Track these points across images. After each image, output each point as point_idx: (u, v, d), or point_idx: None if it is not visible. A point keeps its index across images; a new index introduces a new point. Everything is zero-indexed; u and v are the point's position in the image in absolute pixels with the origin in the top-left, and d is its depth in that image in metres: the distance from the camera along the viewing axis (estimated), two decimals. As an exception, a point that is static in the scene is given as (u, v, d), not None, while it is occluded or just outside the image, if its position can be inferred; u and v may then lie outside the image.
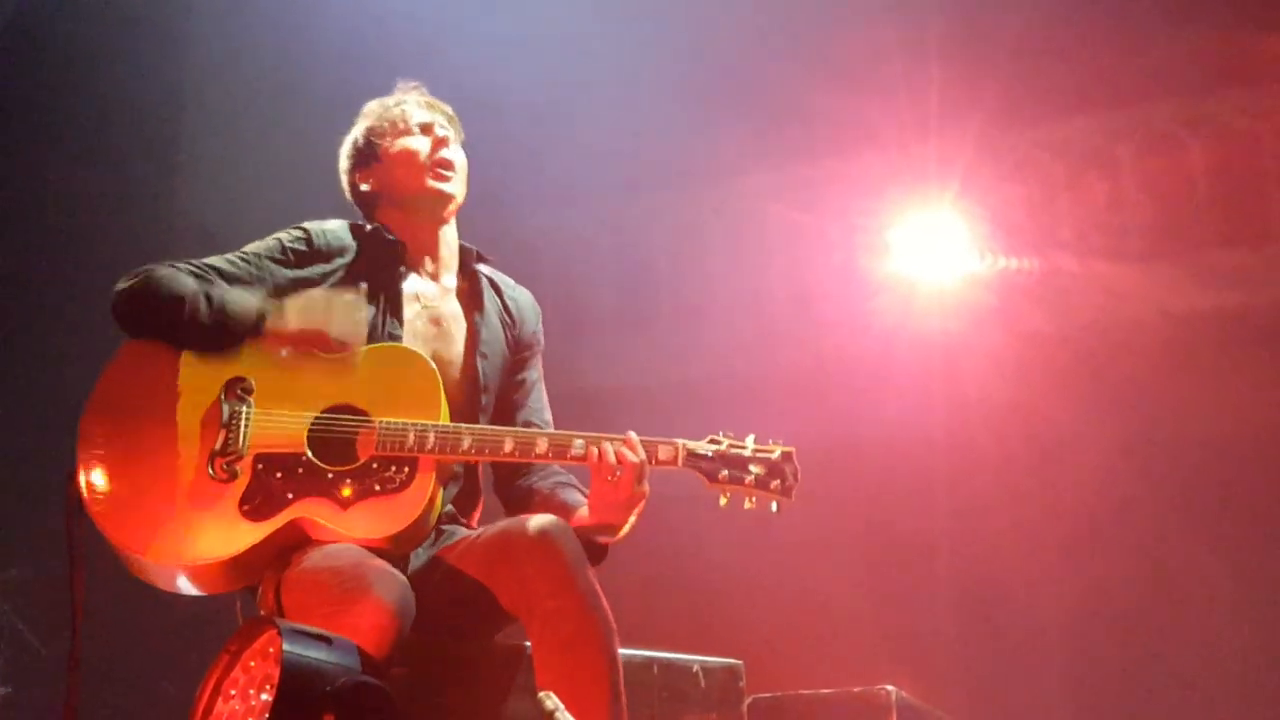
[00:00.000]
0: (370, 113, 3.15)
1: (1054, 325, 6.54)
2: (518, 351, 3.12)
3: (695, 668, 3.12)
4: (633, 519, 2.80)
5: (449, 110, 3.18)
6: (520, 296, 3.18)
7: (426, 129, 3.08)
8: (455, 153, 3.09)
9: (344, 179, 3.17)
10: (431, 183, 3.03)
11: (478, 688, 2.80)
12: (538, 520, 2.70)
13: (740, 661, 3.21)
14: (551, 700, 2.34)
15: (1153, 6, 6.38)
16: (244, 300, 2.79)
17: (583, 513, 2.85)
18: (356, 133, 3.14)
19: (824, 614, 6.12)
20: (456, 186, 3.06)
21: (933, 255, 6.82)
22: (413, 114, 3.10)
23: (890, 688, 3.52)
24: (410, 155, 3.05)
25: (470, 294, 3.08)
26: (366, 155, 3.09)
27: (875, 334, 6.71)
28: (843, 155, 6.97)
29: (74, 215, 6.78)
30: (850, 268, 6.94)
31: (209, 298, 2.75)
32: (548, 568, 2.63)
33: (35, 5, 6.81)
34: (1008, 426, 6.38)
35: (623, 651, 2.66)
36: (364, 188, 3.10)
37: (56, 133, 6.81)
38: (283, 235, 2.98)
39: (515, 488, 3.04)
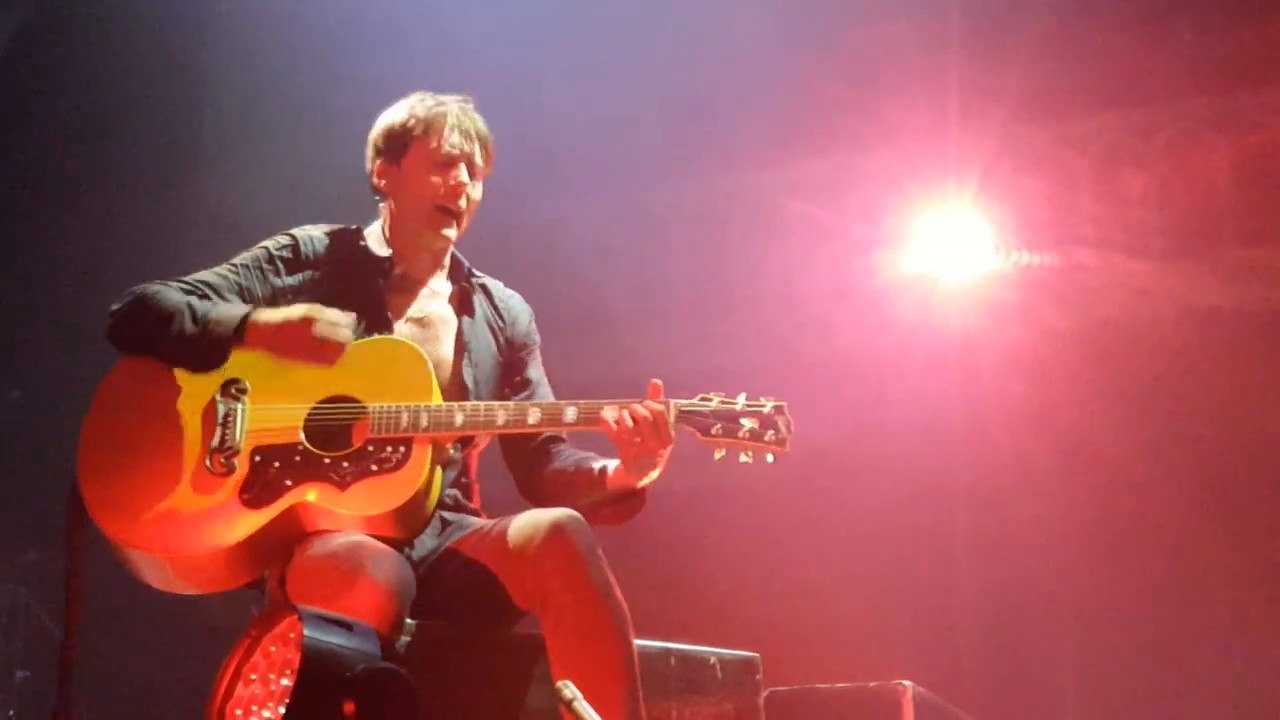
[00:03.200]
0: (412, 108, 3.05)
1: (1074, 322, 6.50)
2: (513, 352, 3.14)
3: (712, 659, 3.12)
4: (662, 464, 2.80)
5: (488, 137, 3.06)
6: (511, 299, 3.20)
7: (453, 161, 3.01)
8: (473, 191, 3.03)
9: (367, 160, 3.13)
10: (433, 222, 3.02)
11: (495, 677, 2.80)
12: (551, 513, 2.72)
13: (757, 654, 3.21)
14: (570, 689, 2.34)
15: (1177, 1, 6.35)
16: (227, 311, 2.82)
17: (617, 467, 2.85)
18: (392, 120, 3.07)
19: (841, 608, 6.12)
20: (455, 231, 3.04)
21: (953, 251, 6.79)
22: (449, 137, 3.01)
23: (907, 683, 3.53)
24: (423, 184, 3.00)
25: (460, 298, 3.10)
26: (389, 152, 3.05)
27: (894, 330, 6.69)
28: (862, 150, 6.94)
29: (93, 209, 6.82)
30: (869, 263, 6.91)
31: (192, 310, 2.80)
32: (561, 560, 2.64)
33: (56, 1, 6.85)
34: (1026, 423, 6.36)
35: (639, 642, 2.67)
36: (378, 182, 3.09)
37: (76, 127, 6.84)
38: (270, 244, 3.01)
39: (539, 477, 3.04)
